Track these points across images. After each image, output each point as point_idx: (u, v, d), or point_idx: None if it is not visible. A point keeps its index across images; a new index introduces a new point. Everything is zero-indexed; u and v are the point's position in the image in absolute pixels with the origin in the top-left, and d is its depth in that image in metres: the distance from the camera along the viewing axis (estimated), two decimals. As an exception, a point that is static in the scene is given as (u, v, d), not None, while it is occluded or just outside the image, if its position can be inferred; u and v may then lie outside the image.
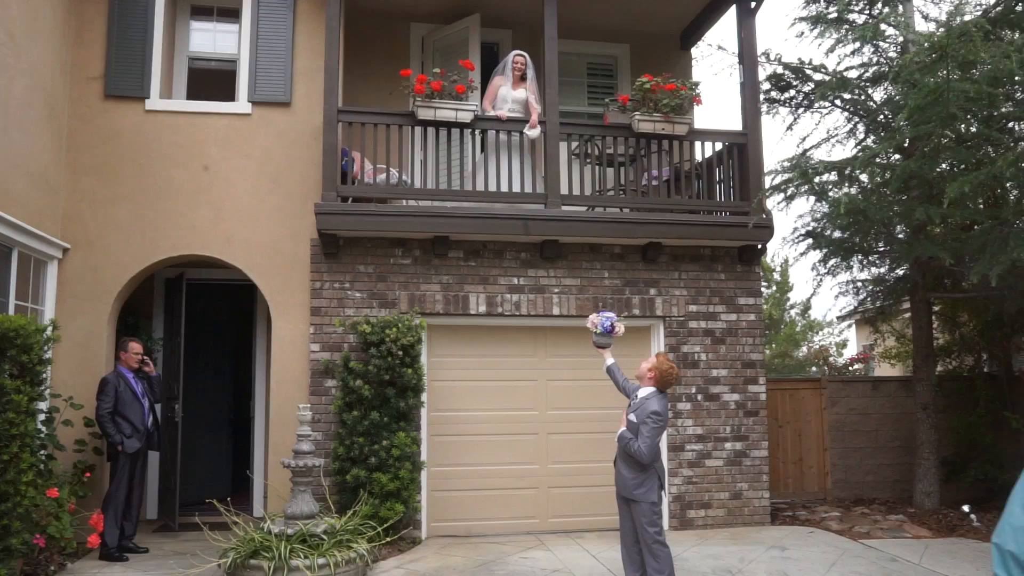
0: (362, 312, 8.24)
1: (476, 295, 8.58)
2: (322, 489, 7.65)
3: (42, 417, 6.93)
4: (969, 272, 6.74)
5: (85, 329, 7.95)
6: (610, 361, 6.40)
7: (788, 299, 27.51)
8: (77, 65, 8.29)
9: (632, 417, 5.75)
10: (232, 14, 9.00)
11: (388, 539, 7.42)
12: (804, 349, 24.84)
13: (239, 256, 8.33)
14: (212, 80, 9.49)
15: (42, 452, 6.86)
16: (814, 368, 17.26)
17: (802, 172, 7.57)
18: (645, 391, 5.82)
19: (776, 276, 26.33)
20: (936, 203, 6.91)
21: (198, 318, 9.66)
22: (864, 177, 7.70)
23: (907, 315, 11.31)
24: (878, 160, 7.18)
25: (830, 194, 7.71)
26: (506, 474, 8.64)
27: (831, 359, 16.64)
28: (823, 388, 10.58)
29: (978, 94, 6.38)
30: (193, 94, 9.07)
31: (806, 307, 27.04)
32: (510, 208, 8.47)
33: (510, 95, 8.75)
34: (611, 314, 6.38)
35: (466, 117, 8.32)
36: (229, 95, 8.68)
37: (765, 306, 28.83)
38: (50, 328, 6.04)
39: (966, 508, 8.95)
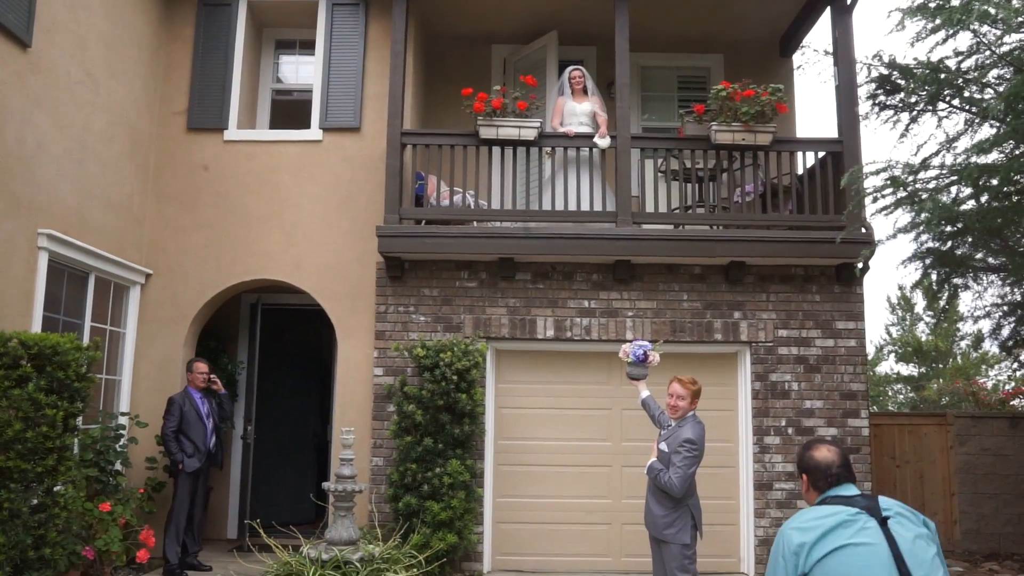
0: (427, 336, 8.08)
1: (544, 319, 8.23)
2: (374, 516, 7.49)
3: (110, 435, 7.22)
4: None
5: (163, 352, 8.25)
6: (645, 394, 5.90)
7: (958, 329, 25.16)
8: (165, 101, 8.72)
9: (663, 446, 5.22)
10: (313, 46, 9.21)
11: (441, 571, 7.15)
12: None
13: (307, 280, 8.41)
14: (296, 110, 9.74)
15: (111, 468, 7.13)
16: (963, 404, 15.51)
17: (893, 177, 6.74)
18: (684, 419, 5.30)
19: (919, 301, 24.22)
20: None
21: (285, 342, 9.86)
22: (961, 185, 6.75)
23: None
24: (980, 159, 6.27)
25: (925, 201, 6.79)
26: (577, 508, 8.17)
27: (983, 394, 14.86)
28: (949, 424, 9.40)
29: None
30: (277, 125, 9.34)
31: (978, 338, 24.57)
32: (579, 227, 8.10)
33: (577, 108, 8.43)
34: (645, 342, 5.89)
35: (530, 134, 8.05)
36: (309, 124, 8.85)
37: (929, 336, 26.50)
38: (88, 345, 6.22)
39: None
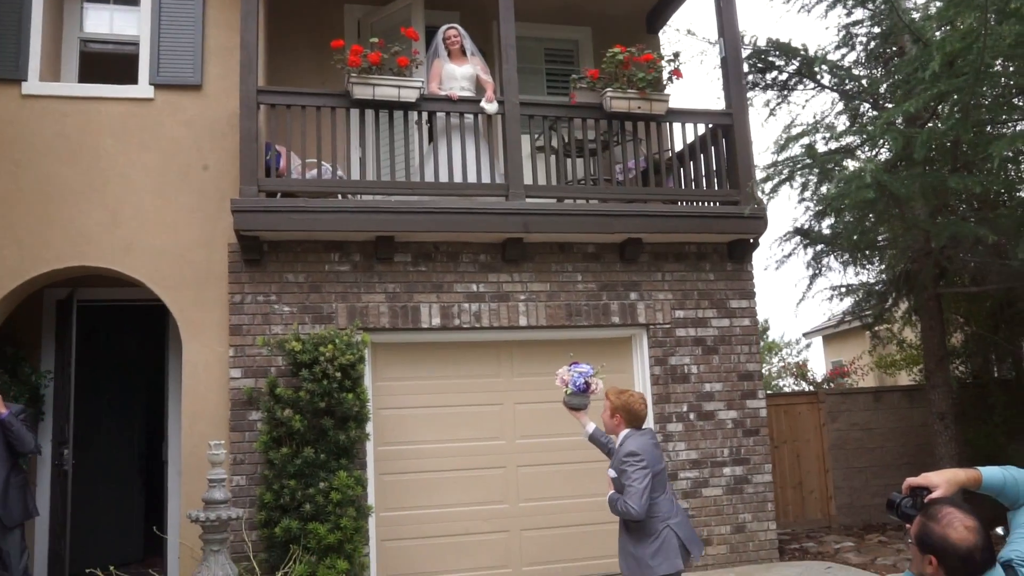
0: (292, 329, 6.85)
1: (428, 305, 7.27)
2: (245, 546, 6.20)
3: None
4: (1014, 252, 5.69)
5: (-54, 360, 6.44)
6: (591, 427, 4.96)
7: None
8: (-63, 43, 6.86)
9: (611, 472, 4.42)
10: (132, -7, 7.65)
11: (329, 605, 6.01)
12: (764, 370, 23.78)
13: (141, 267, 6.91)
14: (116, 65, 8.07)
15: None
16: (791, 386, 16.23)
17: (810, 150, 6.45)
18: (621, 436, 4.49)
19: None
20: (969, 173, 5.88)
21: (100, 347, 8.18)
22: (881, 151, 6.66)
23: (901, 318, 10.33)
24: (898, 125, 6.13)
25: (837, 171, 6.59)
26: (470, 516, 7.28)
27: (809, 374, 15.61)
28: (821, 402, 9.46)
29: (1021, 38, 5.37)
30: (87, 79, 7.67)
31: (763, 328, 26.07)
32: (465, 202, 7.22)
33: (457, 71, 7.55)
34: (585, 367, 4.96)
35: (411, 95, 7.07)
36: (129, 79, 7.31)
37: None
38: None
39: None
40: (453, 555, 7.18)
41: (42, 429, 7.55)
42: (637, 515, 4.14)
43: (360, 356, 6.51)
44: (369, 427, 6.78)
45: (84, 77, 7.67)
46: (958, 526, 2.28)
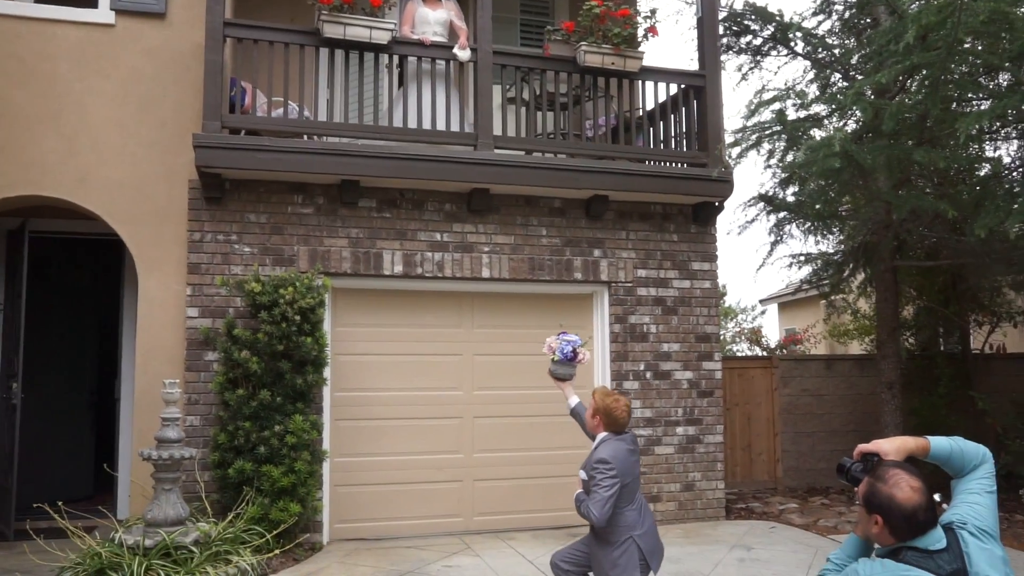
0: (252, 270, 6.74)
1: (391, 252, 7.20)
2: (198, 486, 6.17)
3: None
4: (971, 228, 5.78)
5: None
6: (574, 400, 4.89)
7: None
8: None
9: (582, 474, 4.37)
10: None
11: (281, 547, 6.02)
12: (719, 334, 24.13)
13: (96, 199, 6.72)
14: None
15: None
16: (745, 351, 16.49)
17: (780, 116, 6.46)
18: (598, 438, 4.39)
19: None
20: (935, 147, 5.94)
21: (52, 280, 7.98)
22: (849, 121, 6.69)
23: (857, 289, 10.51)
24: (868, 96, 6.15)
25: (805, 139, 6.63)
26: (424, 465, 7.32)
27: (763, 340, 15.87)
28: (775, 367, 9.62)
29: (994, 15, 5.39)
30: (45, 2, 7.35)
31: (722, 293, 26.37)
32: (433, 149, 7.12)
33: (430, 16, 7.40)
34: (574, 337, 4.92)
35: (382, 37, 6.91)
36: (89, 4, 7.03)
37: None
38: None
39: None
40: (406, 502, 7.22)
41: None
42: (597, 522, 4.07)
43: (320, 300, 6.45)
44: (327, 372, 6.74)
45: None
46: (904, 486, 2.34)
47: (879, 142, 6.23)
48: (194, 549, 5.14)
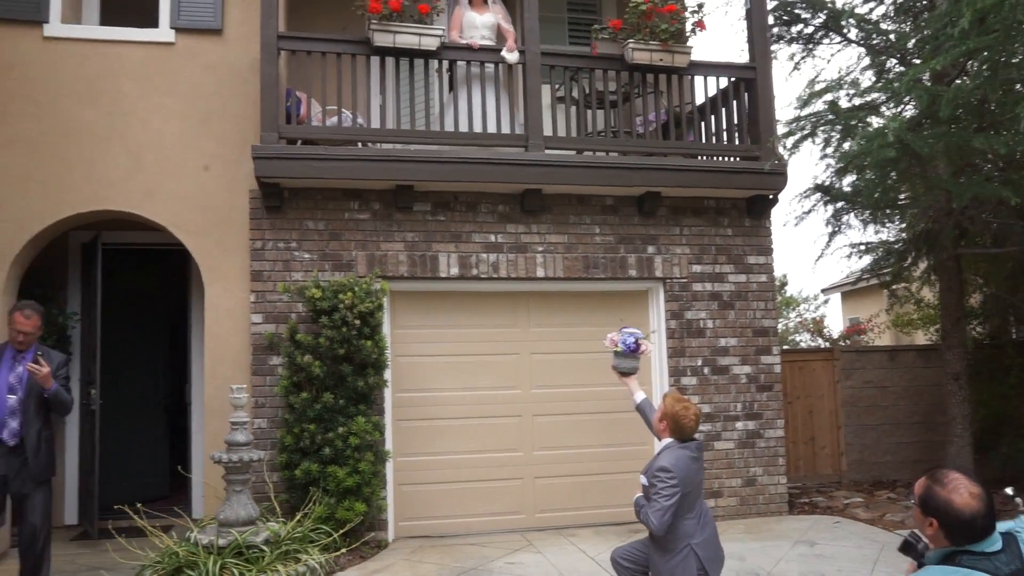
0: (312, 276, 6.93)
1: (447, 255, 7.32)
2: (267, 487, 6.37)
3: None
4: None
5: (-26, 301, 6.57)
6: (640, 396, 4.93)
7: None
8: (-41, -17, 6.86)
9: (643, 479, 4.39)
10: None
11: (347, 545, 6.19)
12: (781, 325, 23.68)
13: (162, 212, 6.99)
14: (135, 7, 8.04)
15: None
16: (807, 341, 16.23)
17: (833, 106, 6.38)
18: (661, 444, 4.40)
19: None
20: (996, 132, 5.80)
21: (124, 289, 8.29)
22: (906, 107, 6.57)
23: (920, 277, 10.26)
24: (925, 82, 6.03)
25: (860, 128, 6.53)
26: (485, 463, 7.42)
27: (826, 331, 15.60)
28: (836, 359, 9.49)
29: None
30: (108, 23, 7.66)
31: (782, 283, 25.96)
32: (485, 152, 7.21)
33: (477, 20, 7.48)
34: (635, 330, 4.99)
35: (431, 44, 7.03)
36: (150, 24, 7.30)
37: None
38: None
39: (1009, 491, 7.80)
40: (468, 500, 7.34)
41: (70, 369, 7.73)
42: (656, 531, 4.09)
43: (379, 304, 6.60)
44: (387, 374, 6.89)
45: (105, 20, 7.65)
46: (963, 492, 2.32)
47: (937, 129, 6.10)
48: (265, 548, 5.31)
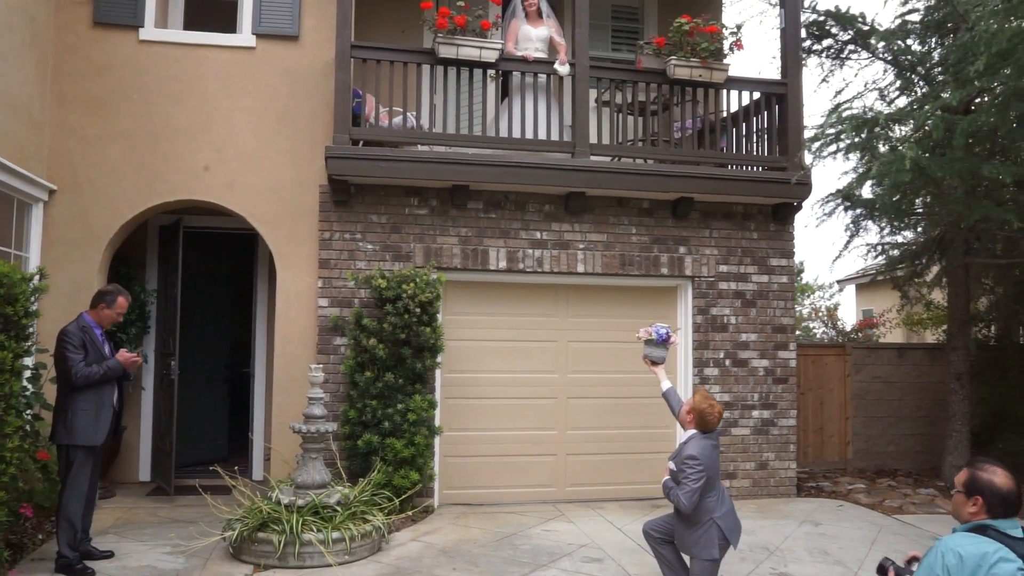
0: (374, 265, 7.65)
1: (496, 249, 8.01)
2: (331, 455, 7.13)
3: (27, 374, 6.26)
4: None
5: (73, 279, 7.32)
6: (666, 384, 5.61)
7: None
8: (62, -13, 7.53)
9: (671, 465, 5.10)
10: (233, -63, 8.22)
11: (403, 511, 6.96)
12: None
13: (241, 202, 7.70)
14: (218, 13, 8.70)
15: (28, 412, 6.23)
16: (820, 330, 16.84)
17: (856, 123, 7.00)
18: (686, 434, 5.08)
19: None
20: (1006, 160, 6.39)
21: (194, 269, 9.02)
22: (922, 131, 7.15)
23: (930, 280, 10.88)
24: (940, 113, 6.62)
25: (881, 148, 7.15)
26: (523, 440, 8.17)
27: (839, 323, 16.21)
28: (848, 354, 10.16)
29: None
30: (191, 27, 8.32)
31: (798, 271, 26.49)
32: (534, 157, 7.87)
33: (532, 33, 8.09)
34: (663, 325, 5.75)
35: (491, 56, 7.66)
36: (230, 28, 7.96)
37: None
38: (37, 277, 5.40)
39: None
40: (506, 473, 8.09)
41: (147, 341, 8.52)
42: (686, 510, 4.79)
43: (437, 295, 7.30)
44: (440, 356, 7.61)
45: (188, 25, 8.31)
46: (1001, 474, 2.96)
47: (951, 155, 6.71)
48: (337, 508, 6.08)
